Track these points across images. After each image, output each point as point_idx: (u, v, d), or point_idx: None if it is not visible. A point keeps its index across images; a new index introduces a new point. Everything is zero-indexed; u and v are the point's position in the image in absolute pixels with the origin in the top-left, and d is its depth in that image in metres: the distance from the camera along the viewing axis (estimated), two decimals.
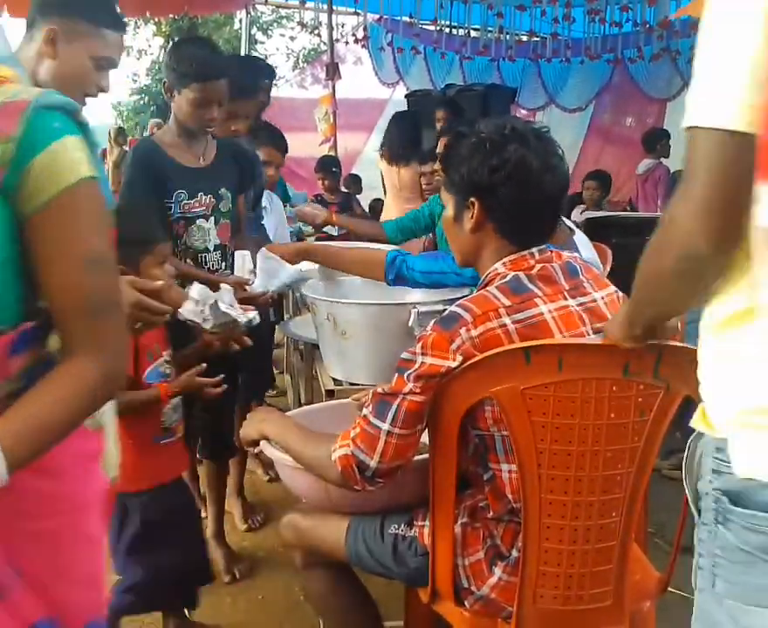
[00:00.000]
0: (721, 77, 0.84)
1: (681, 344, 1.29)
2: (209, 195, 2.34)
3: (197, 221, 2.34)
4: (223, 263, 2.42)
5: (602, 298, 1.45)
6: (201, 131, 2.34)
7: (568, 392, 1.28)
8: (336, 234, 4.01)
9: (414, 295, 2.27)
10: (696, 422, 0.97)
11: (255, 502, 3.04)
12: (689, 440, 1.00)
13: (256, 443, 1.67)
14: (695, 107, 0.87)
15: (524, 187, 1.40)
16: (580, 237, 2.27)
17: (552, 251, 1.47)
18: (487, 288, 1.41)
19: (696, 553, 0.97)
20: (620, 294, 1.50)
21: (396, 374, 1.36)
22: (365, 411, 1.39)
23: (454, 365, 1.31)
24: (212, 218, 2.36)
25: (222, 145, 2.46)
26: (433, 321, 1.37)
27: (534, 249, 1.45)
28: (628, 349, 1.22)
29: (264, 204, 3.04)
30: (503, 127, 1.44)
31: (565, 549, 1.35)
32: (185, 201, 2.30)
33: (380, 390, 1.38)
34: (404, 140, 3.94)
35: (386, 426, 1.34)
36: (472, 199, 1.44)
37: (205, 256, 2.37)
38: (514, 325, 1.33)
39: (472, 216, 1.45)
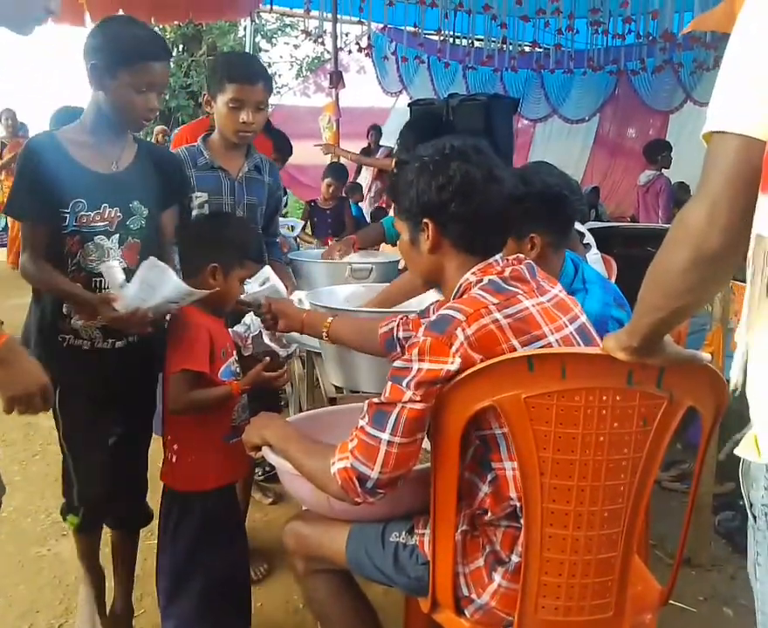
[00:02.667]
0: (746, 85, 0.88)
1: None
2: (116, 208, 1.93)
3: (95, 238, 1.91)
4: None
5: (560, 293, 1.50)
6: (137, 125, 1.97)
7: (571, 401, 1.27)
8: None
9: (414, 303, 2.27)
10: (744, 449, 1.00)
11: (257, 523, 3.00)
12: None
13: (258, 448, 1.68)
14: (718, 113, 0.91)
15: (472, 200, 1.44)
16: (593, 255, 2.28)
17: (508, 260, 1.51)
18: (468, 293, 1.43)
19: (753, 551, 1.07)
20: (566, 294, 1.54)
21: (390, 383, 1.36)
22: (361, 422, 1.38)
23: (453, 367, 1.31)
24: (116, 235, 1.94)
25: (144, 149, 2.06)
26: (423, 327, 1.37)
27: (497, 257, 1.49)
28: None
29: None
30: (443, 148, 1.49)
31: (567, 560, 1.35)
32: (83, 213, 1.89)
33: (375, 400, 1.37)
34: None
35: (386, 436, 1.33)
36: (425, 220, 1.48)
37: (101, 281, 1.92)
38: (506, 320, 1.35)
39: (428, 237, 1.49)
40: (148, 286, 1.81)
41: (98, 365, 1.97)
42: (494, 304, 1.36)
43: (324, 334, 2.00)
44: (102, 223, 1.92)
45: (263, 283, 2.19)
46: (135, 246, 1.97)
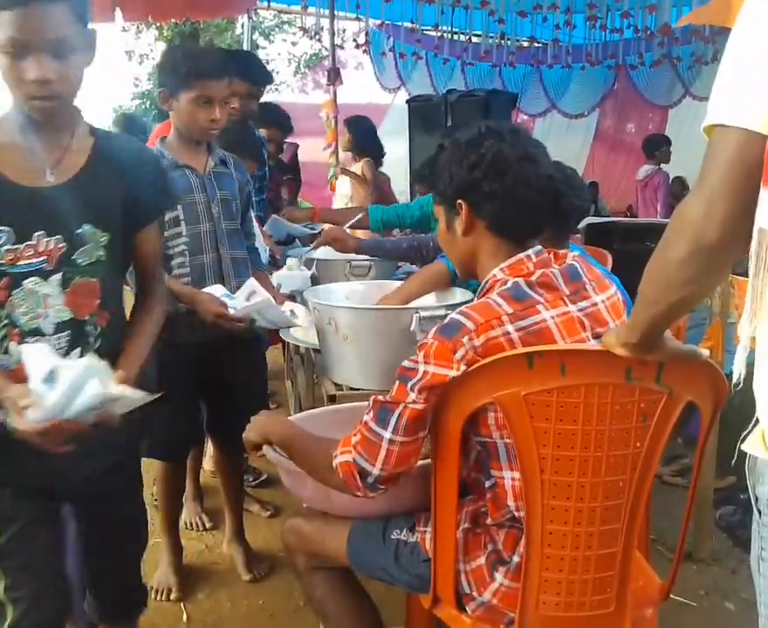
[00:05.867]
0: (747, 79, 0.88)
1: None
2: (56, 237, 1.43)
3: (25, 282, 1.42)
4: (80, 349, 1.46)
5: (603, 302, 1.44)
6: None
7: (571, 398, 1.27)
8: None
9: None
10: (752, 445, 1.01)
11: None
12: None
13: (258, 447, 1.68)
14: (719, 106, 0.91)
15: (505, 178, 1.41)
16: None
17: (549, 253, 1.46)
18: (488, 295, 1.40)
19: (757, 546, 1.06)
20: (621, 296, 1.50)
21: (397, 382, 1.35)
22: (365, 417, 1.38)
23: (458, 375, 1.30)
24: (57, 276, 1.43)
25: (104, 146, 1.51)
26: (434, 329, 1.35)
27: (530, 252, 1.44)
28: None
29: None
30: (477, 129, 1.46)
31: (568, 556, 1.35)
32: (7, 247, 1.39)
33: (380, 398, 1.37)
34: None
35: (388, 434, 1.34)
36: (458, 201, 1.45)
37: (37, 343, 1.42)
38: (517, 333, 1.32)
39: (462, 219, 1.46)
40: (75, 387, 1.28)
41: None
42: (508, 315, 1.33)
43: None
44: (36, 260, 1.41)
45: (248, 297, 2.11)
46: (89, 287, 1.47)
